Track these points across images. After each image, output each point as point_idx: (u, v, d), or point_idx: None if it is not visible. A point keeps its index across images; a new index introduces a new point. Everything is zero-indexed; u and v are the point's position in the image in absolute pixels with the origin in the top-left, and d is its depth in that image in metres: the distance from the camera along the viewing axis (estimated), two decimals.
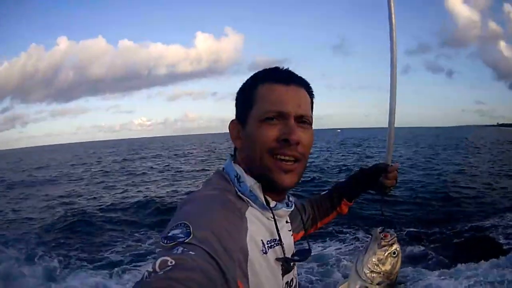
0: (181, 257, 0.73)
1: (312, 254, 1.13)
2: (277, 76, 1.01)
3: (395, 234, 1.12)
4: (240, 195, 0.99)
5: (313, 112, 1.06)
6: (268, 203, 1.00)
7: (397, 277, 1.10)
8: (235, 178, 1.01)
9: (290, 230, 1.17)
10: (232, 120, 1.07)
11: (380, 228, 1.14)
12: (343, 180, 1.59)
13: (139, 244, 8.55)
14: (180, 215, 0.87)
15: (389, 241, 1.10)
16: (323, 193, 1.58)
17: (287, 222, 1.16)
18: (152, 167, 25.88)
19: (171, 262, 0.70)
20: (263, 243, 0.96)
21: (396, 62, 1.32)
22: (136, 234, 9.28)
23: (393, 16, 1.29)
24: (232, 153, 1.10)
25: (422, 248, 7.39)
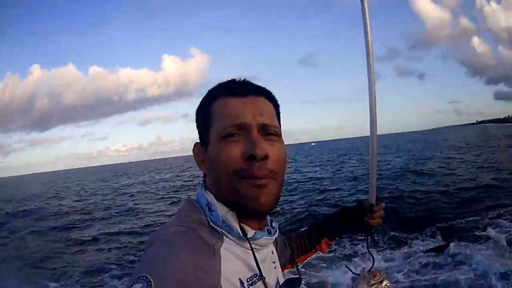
0: None
1: (303, 282, 1.01)
2: (231, 89, 0.91)
3: (384, 271, 1.11)
4: (213, 225, 0.87)
5: (280, 123, 0.96)
6: (245, 233, 0.87)
7: None
8: (206, 207, 0.90)
9: (274, 262, 1.03)
10: (195, 143, 0.98)
11: (367, 267, 1.13)
12: (324, 218, 1.48)
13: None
14: (142, 264, 0.77)
15: (377, 280, 1.10)
16: (302, 230, 1.48)
17: (272, 253, 1.03)
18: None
19: None
20: (241, 282, 0.84)
21: (375, 87, 1.26)
22: None
23: (367, 23, 1.23)
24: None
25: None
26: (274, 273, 1.00)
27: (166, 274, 0.71)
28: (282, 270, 1.14)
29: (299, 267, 1.11)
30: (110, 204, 20.61)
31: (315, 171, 26.35)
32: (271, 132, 0.88)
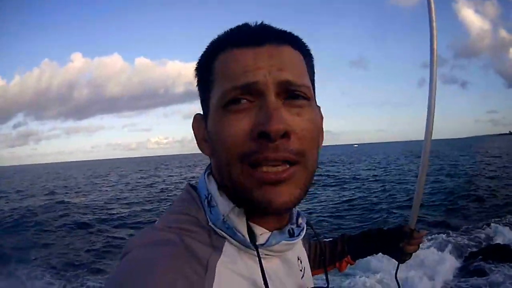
0: None
1: None
2: (242, 36, 0.63)
3: None
4: (212, 226, 0.62)
5: (314, 81, 0.68)
6: (253, 237, 0.61)
7: None
8: (206, 200, 0.65)
9: (302, 270, 0.77)
10: (195, 115, 0.72)
11: None
12: (355, 234, 1.27)
13: None
14: (110, 283, 0.56)
15: None
16: (326, 240, 1.25)
17: (299, 259, 0.77)
18: None
19: None
20: None
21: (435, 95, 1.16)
22: None
23: (434, 24, 1.08)
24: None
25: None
26: (299, 284, 0.73)
27: None
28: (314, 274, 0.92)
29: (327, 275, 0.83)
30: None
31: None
32: (297, 93, 0.60)
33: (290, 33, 0.65)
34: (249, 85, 0.57)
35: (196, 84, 0.70)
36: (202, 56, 0.68)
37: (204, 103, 0.66)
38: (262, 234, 0.63)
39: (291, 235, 0.66)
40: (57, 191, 26.61)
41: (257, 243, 0.60)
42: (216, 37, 0.67)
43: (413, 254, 1.20)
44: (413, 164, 30.22)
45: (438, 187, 16.26)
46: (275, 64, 0.58)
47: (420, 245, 1.21)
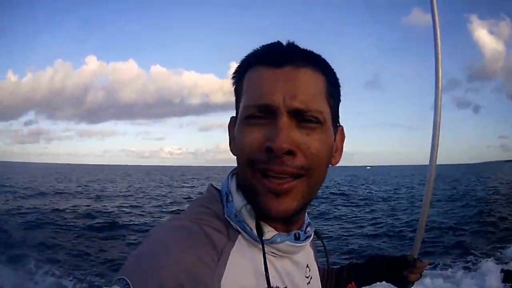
0: None
1: None
2: (266, 56, 0.70)
3: None
4: (228, 219, 0.71)
5: (331, 102, 0.72)
6: (260, 230, 0.69)
7: None
8: (225, 196, 0.74)
9: (309, 277, 0.83)
10: (232, 118, 0.79)
11: None
12: (360, 262, 1.30)
13: None
14: (126, 264, 0.64)
15: None
16: (334, 267, 1.29)
17: (308, 266, 0.83)
18: None
19: None
20: None
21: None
22: None
23: (439, 50, 1.14)
24: None
25: None
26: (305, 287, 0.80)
27: (149, 279, 0.59)
28: None
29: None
30: None
31: None
32: (308, 118, 0.67)
33: (312, 53, 0.72)
34: (265, 106, 0.66)
35: (233, 90, 0.78)
36: (238, 67, 0.76)
37: (236, 110, 0.75)
38: (269, 232, 0.70)
39: (297, 238, 0.74)
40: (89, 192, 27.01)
41: (263, 238, 0.69)
42: (251, 51, 0.74)
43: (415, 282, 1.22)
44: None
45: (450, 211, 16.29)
46: (289, 91, 0.65)
47: (422, 273, 1.23)
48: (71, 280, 7.57)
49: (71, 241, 11.02)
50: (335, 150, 0.76)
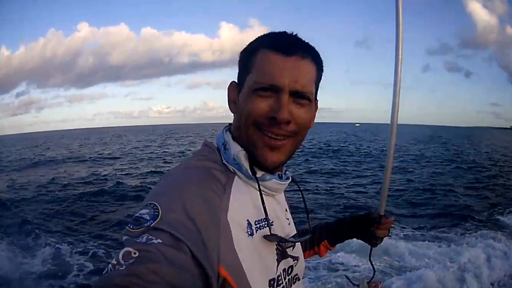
0: (146, 248, 0.67)
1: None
2: (278, 44, 0.88)
3: (383, 282, 1.05)
4: (225, 163, 0.91)
5: (318, 87, 0.94)
6: (254, 172, 0.89)
7: None
8: (222, 146, 0.93)
9: (288, 218, 1.04)
10: (232, 82, 0.98)
11: (366, 278, 1.11)
12: (330, 222, 1.46)
13: None
14: (152, 193, 0.81)
15: None
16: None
17: (286, 210, 1.04)
18: None
19: (134, 253, 0.66)
20: (249, 222, 0.85)
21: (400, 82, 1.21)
22: None
23: (400, 16, 1.19)
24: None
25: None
26: (285, 224, 1.00)
27: (173, 203, 0.75)
28: None
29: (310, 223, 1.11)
30: None
31: None
32: (303, 96, 0.88)
33: (310, 47, 0.92)
34: (273, 85, 0.85)
35: (239, 62, 0.96)
36: (249, 46, 0.94)
37: (241, 78, 0.93)
38: (259, 172, 0.91)
39: (280, 178, 0.95)
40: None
41: (256, 175, 0.89)
42: (262, 35, 0.94)
43: (384, 238, 1.32)
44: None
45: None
46: (294, 76, 0.86)
47: (390, 230, 1.33)
48: (68, 245, 7.66)
49: (67, 208, 11.04)
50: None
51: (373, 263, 1.34)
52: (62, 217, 10.07)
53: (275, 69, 0.86)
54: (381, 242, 1.33)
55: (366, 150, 29.87)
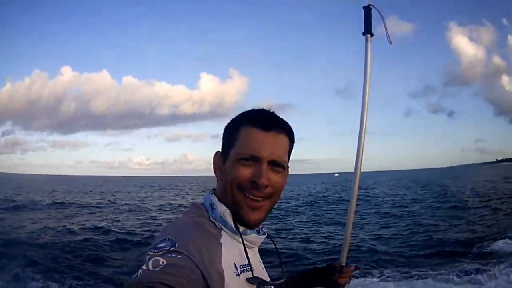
0: (172, 259, 0.83)
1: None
2: (258, 121, 1.05)
3: None
4: (213, 220, 1.05)
5: (290, 155, 1.12)
6: (237, 228, 1.04)
7: None
8: (210, 206, 1.07)
9: (261, 263, 1.18)
10: (217, 152, 1.14)
11: None
12: (295, 275, 1.57)
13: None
14: (163, 233, 0.94)
15: None
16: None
17: (260, 262, 1.17)
18: None
19: (163, 262, 0.80)
20: (235, 266, 0.99)
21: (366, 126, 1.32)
22: None
23: (368, 59, 1.33)
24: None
25: None
26: (262, 271, 1.15)
27: (184, 239, 0.90)
28: None
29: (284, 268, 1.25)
30: None
31: None
32: (278, 165, 1.05)
33: (285, 123, 1.10)
34: (254, 156, 1.02)
35: (223, 135, 1.12)
36: (232, 122, 1.11)
37: (225, 150, 1.09)
38: (242, 228, 1.05)
39: (258, 232, 1.10)
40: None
41: (240, 231, 1.04)
42: (243, 112, 1.11)
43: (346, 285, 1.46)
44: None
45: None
46: (271, 149, 1.03)
47: (351, 277, 1.47)
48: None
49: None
50: None
51: None
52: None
53: (256, 142, 1.03)
54: None
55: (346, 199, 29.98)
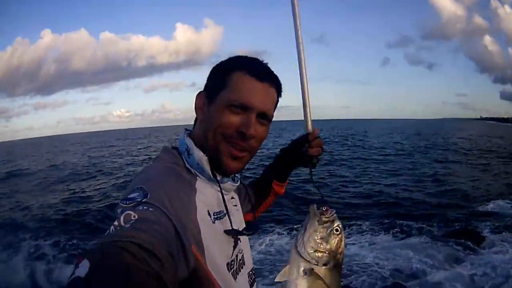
0: (143, 212, 0.79)
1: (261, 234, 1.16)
2: (253, 70, 1.02)
3: (334, 210, 1.01)
4: (188, 167, 1.03)
5: (275, 110, 1.10)
6: (215, 176, 1.03)
7: (343, 257, 0.99)
8: (186, 151, 1.04)
9: (236, 206, 1.21)
10: (200, 92, 1.09)
11: (317, 204, 1.02)
12: (270, 163, 1.57)
13: None
14: (135, 183, 0.90)
15: (329, 217, 0.99)
16: (256, 179, 1.59)
17: (233, 198, 1.20)
18: None
19: (134, 216, 0.76)
20: (209, 213, 0.98)
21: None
22: None
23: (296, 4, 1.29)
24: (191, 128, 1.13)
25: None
26: (238, 215, 1.18)
27: (157, 190, 0.86)
28: (249, 217, 1.33)
29: (257, 218, 1.28)
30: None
31: None
32: (265, 117, 1.05)
33: (278, 80, 1.08)
34: (245, 105, 0.99)
35: (209, 75, 1.09)
36: (224, 63, 1.07)
37: (212, 90, 1.04)
38: (218, 175, 1.05)
39: (233, 180, 1.12)
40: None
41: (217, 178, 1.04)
42: (237, 57, 1.08)
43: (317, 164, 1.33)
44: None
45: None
46: (262, 100, 1.02)
47: (323, 146, 1.33)
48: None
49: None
50: None
51: (318, 186, 1.24)
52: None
53: (249, 91, 1.00)
54: (317, 162, 1.33)
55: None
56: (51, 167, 23.36)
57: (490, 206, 9.65)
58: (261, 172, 1.58)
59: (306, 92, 1.32)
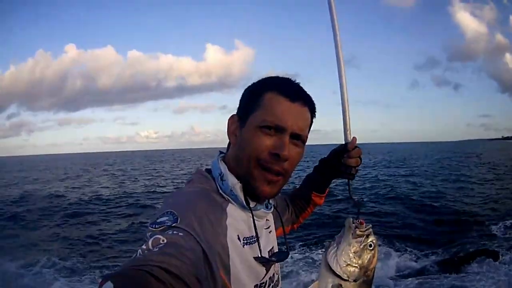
0: (172, 236, 0.79)
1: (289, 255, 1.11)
2: (285, 90, 1.01)
3: (370, 224, 0.99)
4: (221, 193, 1.01)
5: (309, 131, 1.07)
6: (248, 203, 1.01)
7: (374, 273, 0.97)
8: (219, 176, 1.03)
9: (268, 227, 1.16)
10: (233, 115, 1.07)
11: (353, 217, 1.00)
12: (308, 174, 1.52)
13: None
14: (165, 206, 0.90)
15: (364, 231, 0.96)
16: (294, 190, 1.55)
17: (267, 220, 1.16)
18: None
19: (163, 240, 0.76)
20: (239, 238, 0.97)
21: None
22: None
23: (335, 18, 1.30)
24: (224, 151, 1.11)
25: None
26: (268, 240, 1.14)
27: (187, 213, 0.86)
28: (287, 230, 1.30)
29: (287, 239, 1.22)
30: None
31: None
32: (299, 138, 1.02)
33: (311, 99, 1.06)
34: (279, 126, 0.97)
35: (241, 98, 1.08)
36: (255, 85, 1.06)
37: (244, 113, 1.03)
38: (251, 202, 1.03)
39: (267, 207, 1.09)
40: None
41: (250, 206, 1.02)
42: (268, 78, 1.07)
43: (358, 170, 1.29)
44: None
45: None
46: (296, 120, 0.99)
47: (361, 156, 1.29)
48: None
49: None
50: None
51: (356, 200, 1.26)
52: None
53: (282, 111, 0.98)
54: (356, 172, 1.29)
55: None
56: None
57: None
58: (300, 183, 1.55)
59: (345, 100, 1.28)
